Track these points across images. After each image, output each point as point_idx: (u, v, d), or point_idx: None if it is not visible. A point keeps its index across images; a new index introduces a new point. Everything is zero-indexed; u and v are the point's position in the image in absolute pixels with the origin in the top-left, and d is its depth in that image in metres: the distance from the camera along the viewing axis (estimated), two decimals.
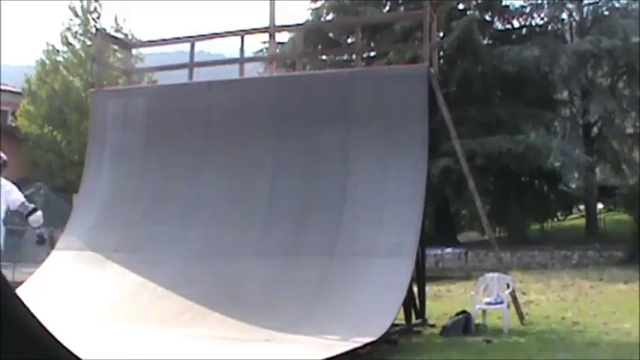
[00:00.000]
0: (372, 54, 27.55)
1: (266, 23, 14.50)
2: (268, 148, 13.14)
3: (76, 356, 4.92)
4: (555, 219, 33.72)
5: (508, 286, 12.44)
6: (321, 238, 11.87)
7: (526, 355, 9.77)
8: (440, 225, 29.41)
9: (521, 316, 12.58)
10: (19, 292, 11.86)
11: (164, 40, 16.53)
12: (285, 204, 12.60)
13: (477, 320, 12.15)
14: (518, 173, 27.68)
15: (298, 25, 19.98)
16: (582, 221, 31.27)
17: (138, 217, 13.44)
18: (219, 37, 15.47)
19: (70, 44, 34.43)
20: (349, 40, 27.62)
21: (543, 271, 21.87)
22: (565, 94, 30.52)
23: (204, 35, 15.22)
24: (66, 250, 13.60)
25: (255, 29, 15.08)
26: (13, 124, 34.84)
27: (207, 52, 40.96)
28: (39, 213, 10.57)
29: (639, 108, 27.93)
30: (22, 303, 4.36)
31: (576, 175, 28.77)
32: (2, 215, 10.20)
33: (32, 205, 10.76)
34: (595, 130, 29.73)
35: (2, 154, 10.27)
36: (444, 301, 16.07)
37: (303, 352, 8.92)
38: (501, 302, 12.15)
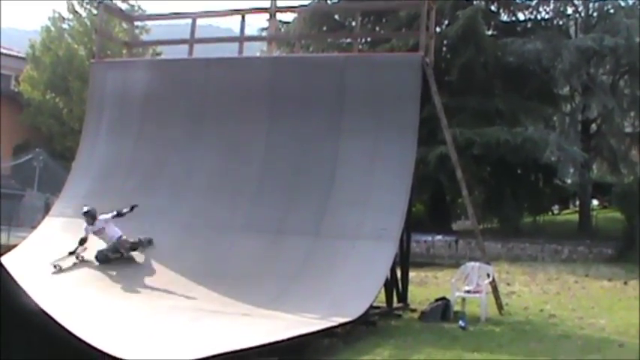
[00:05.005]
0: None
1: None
2: (261, 127, 13.31)
3: (62, 326, 5.16)
4: (550, 213, 33.81)
5: (488, 275, 12.63)
6: (307, 218, 12.09)
7: (498, 344, 9.99)
8: (435, 212, 29.59)
9: (500, 305, 12.76)
10: (11, 256, 12.10)
11: (166, 14, 16.69)
12: (274, 183, 12.81)
13: (456, 307, 12.33)
14: (515, 165, 27.69)
15: (299, 6, 20.09)
16: (576, 216, 31.32)
17: (130, 188, 13.62)
18: (220, 15, 15.61)
19: (76, 12, 34.52)
20: (354, 23, 27.56)
21: (532, 263, 22.00)
22: (566, 90, 30.47)
23: (206, 12, 15.33)
24: (58, 216, 13.82)
25: (256, 9, 15.22)
26: (16, 89, 34.99)
27: (217, 26, 41.06)
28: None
29: (639, 107, 27.94)
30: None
31: (572, 170, 28.82)
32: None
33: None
34: (594, 127, 29.73)
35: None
36: (429, 287, 16.27)
37: (277, 326, 9.14)
38: (480, 291, 12.34)
